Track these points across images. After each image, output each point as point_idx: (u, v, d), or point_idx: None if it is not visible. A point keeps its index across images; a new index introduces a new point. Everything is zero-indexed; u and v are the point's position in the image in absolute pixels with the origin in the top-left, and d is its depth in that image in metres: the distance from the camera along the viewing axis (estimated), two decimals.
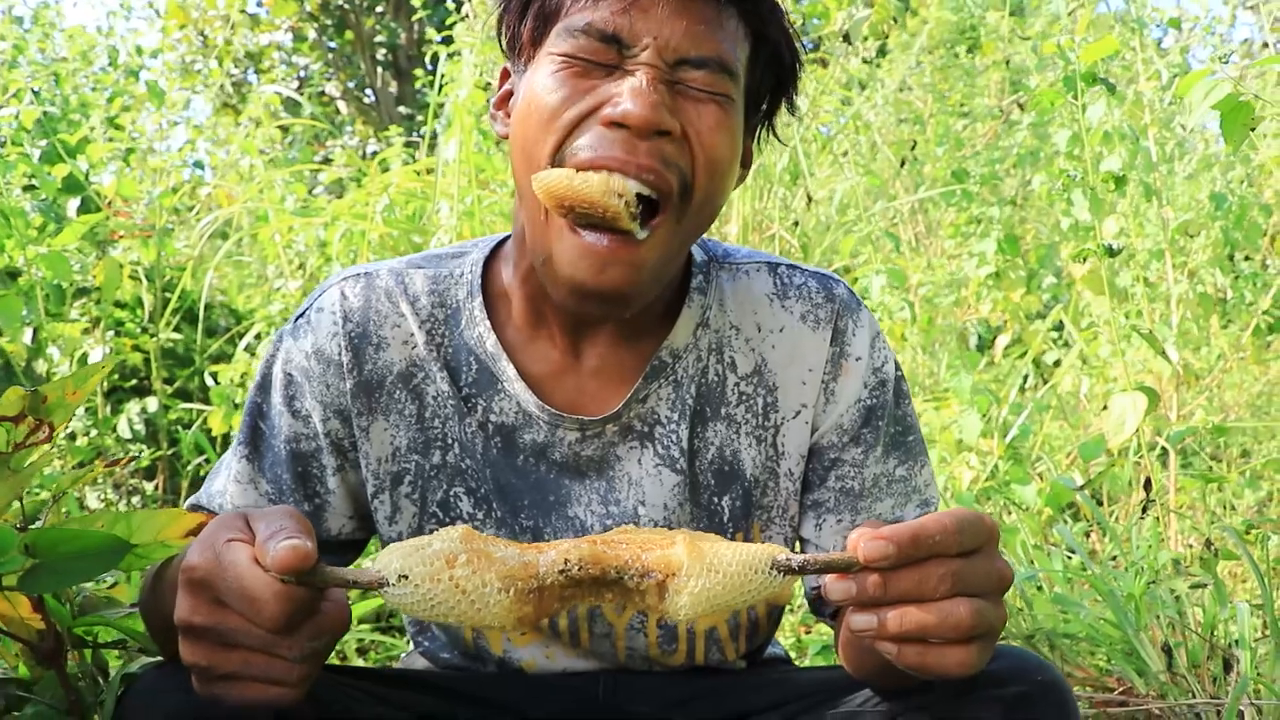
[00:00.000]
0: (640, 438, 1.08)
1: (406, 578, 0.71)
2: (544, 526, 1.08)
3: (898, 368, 1.14)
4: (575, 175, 0.91)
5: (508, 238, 1.13)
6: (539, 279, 1.01)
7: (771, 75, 1.05)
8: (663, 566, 0.73)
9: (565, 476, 1.08)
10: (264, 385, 1.11)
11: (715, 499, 1.10)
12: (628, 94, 0.91)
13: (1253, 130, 1.35)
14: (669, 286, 1.08)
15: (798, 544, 1.15)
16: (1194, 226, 3.16)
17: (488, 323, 1.08)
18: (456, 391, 1.08)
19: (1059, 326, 3.49)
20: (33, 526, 0.91)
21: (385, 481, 1.09)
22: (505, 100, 1.07)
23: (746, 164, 1.08)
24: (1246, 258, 3.47)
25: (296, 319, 1.12)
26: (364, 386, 1.08)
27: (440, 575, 0.71)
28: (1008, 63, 4.14)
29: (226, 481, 1.10)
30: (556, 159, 0.94)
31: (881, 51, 4.51)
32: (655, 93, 0.92)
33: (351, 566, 0.85)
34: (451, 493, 1.08)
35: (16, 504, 0.92)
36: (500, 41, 1.03)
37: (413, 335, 1.09)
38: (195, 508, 1.10)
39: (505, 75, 1.08)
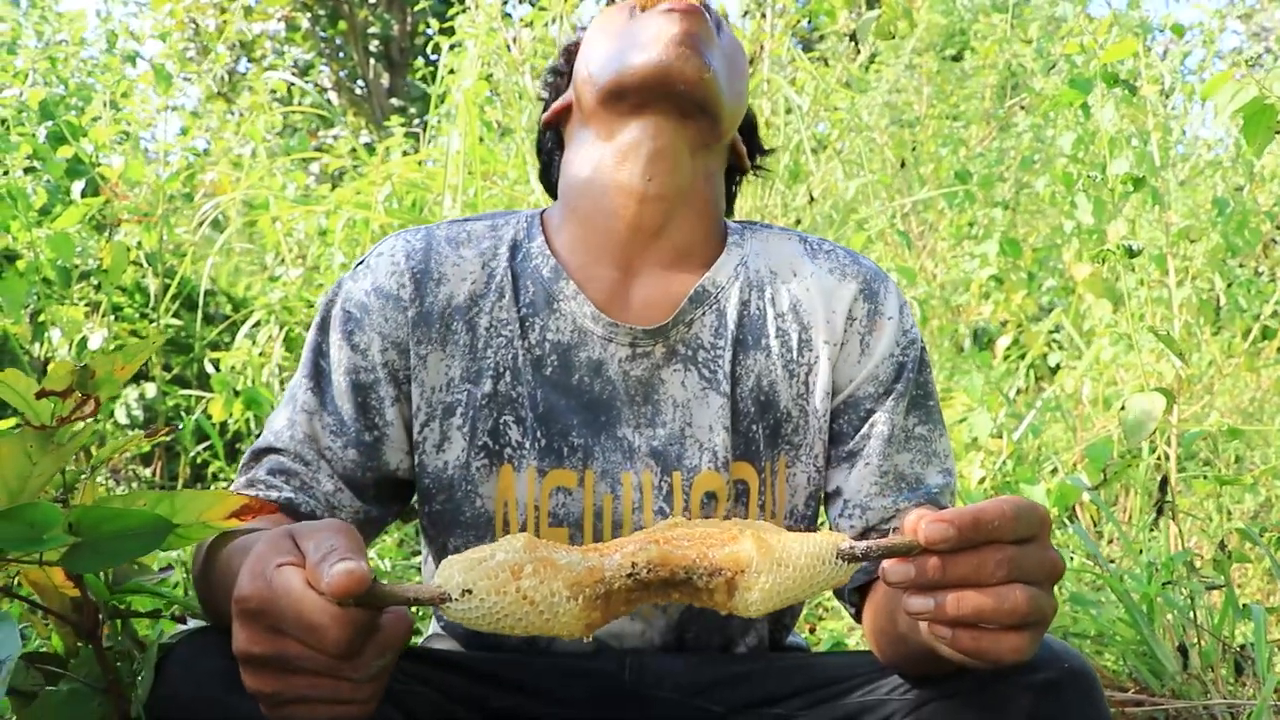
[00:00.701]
0: (684, 361, 1.13)
1: (470, 592, 0.70)
2: (593, 445, 1.10)
3: (920, 338, 1.19)
4: None
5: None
6: (590, 209, 1.14)
7: None
8: (731, 564, 0.73)
9: (615, 398, 1.12)
10: (323, 325, 1.15)
11: (753, 426, 1.14)
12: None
13: (1278, 134, 1.36)
14: (707, 223, 1.18)
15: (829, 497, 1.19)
16: (1195, 231, 3.18)
17: (547, 252, 1.15)
18: (515, 316, 1.12)
19: (1055, 329, 3.51)
20: (72, 501, 0.90)
21: (437, 410, 1.12)
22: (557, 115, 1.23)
23: (743, 169, 1.25)
24: (1240, 264, 3.49)
25: (356, 266, 1.16)
26: (424, 318, 1.12)
27: (506, 588, 0.70)
28: (1009, 66, 4.15)
29: (294, 414, 1.12)
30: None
31: (872, 57, 4.51)
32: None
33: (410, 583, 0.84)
34: (501, 421, 1.11)
35: (56, 476, 0.91)
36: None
37: (473, 271, 1.14)
38: (260, 452, 1.12)
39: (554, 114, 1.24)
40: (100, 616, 0.93)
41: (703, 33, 1.09)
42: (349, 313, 1.13)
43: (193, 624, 1.01)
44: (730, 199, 1.31)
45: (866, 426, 1.14)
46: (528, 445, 1.10)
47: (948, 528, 0.73)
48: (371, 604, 0.69)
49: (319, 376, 1.13)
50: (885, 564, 0.76)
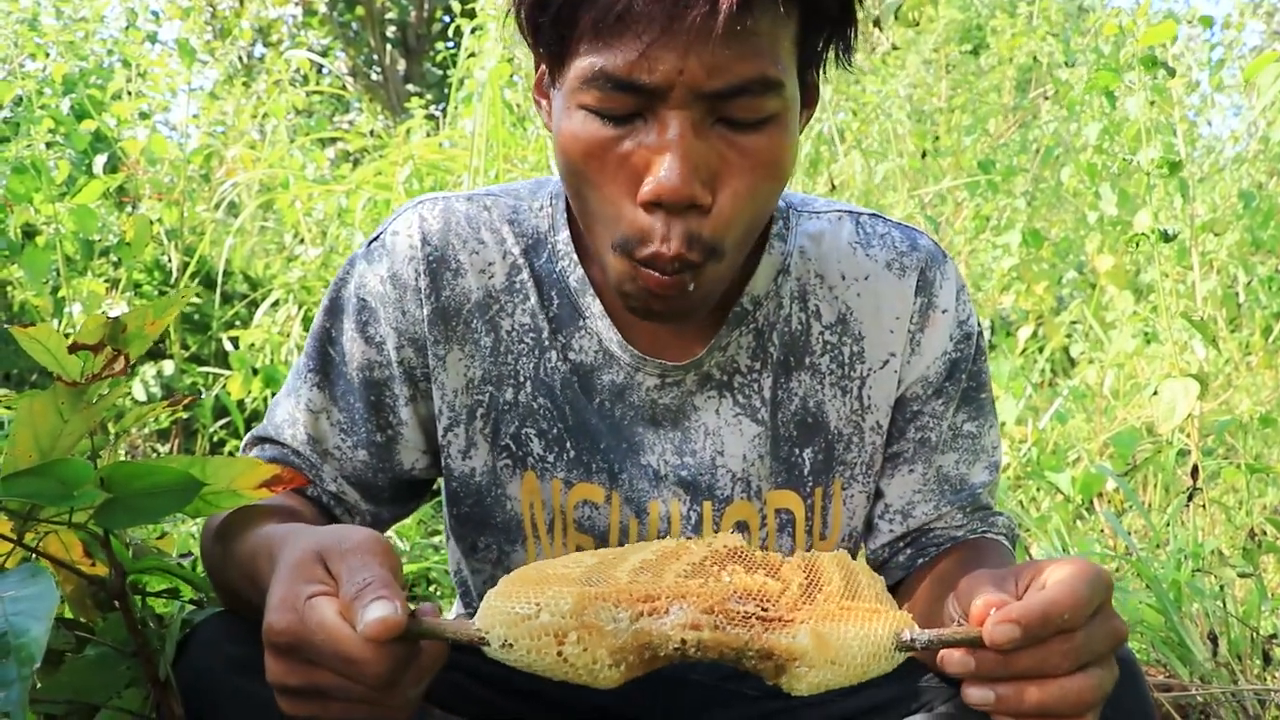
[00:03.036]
0: (719, 387, 1.05)
1: (511, 645, 0.69)
2: (619, 470, 1.05)
3: (979, 324, 1.11)
4: None
5: None
6: None
7: (819, 27, 0.94)
8: (784, 652, 0.70)
9: (640, 424, 1.05)
10: (334, 310, 1.07)
11: (796, 451, 1.07)
12: (661, 167, 0.85)
13: None
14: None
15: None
16: (1219, 225, 3.15)
17: (574, 256, 1.05)
18: (539, 325, 1.05)
19: (1075, 321, 3.49)
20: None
21: (460, 414, 1.06)
22: (541, 84, 1.01)
23: (811, 104, 1.00)
24: (1261, 261, 3.46)
25: (370, 243, 1.07)
26: (441, 313, 1.04)
27: (547, 649, 0.68)
28: (1033, 56, 4.11)
29: (295, 410, 1.06)
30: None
31: (891, 48, 4.49)
32: (688, 158, 0.85)
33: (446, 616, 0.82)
34: (523, 431, 1.05)
35: (85, 441, 0.90)
36: (523, 33, 0.95)
37: (491, 264, 1.05)
38: (261, 439, 1.08)
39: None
40: (127, 580, 0.92)
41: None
42: (363, 301, 1.05)
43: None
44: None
45: (913, 430, 1.08)
46: (551, 459, 1.05)
47: (1013, 628, 0.69)
48: (408, 637, 0.68)
49: (327, 368, 1.06)
50: (944, 655, 0.73)
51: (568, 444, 1.05)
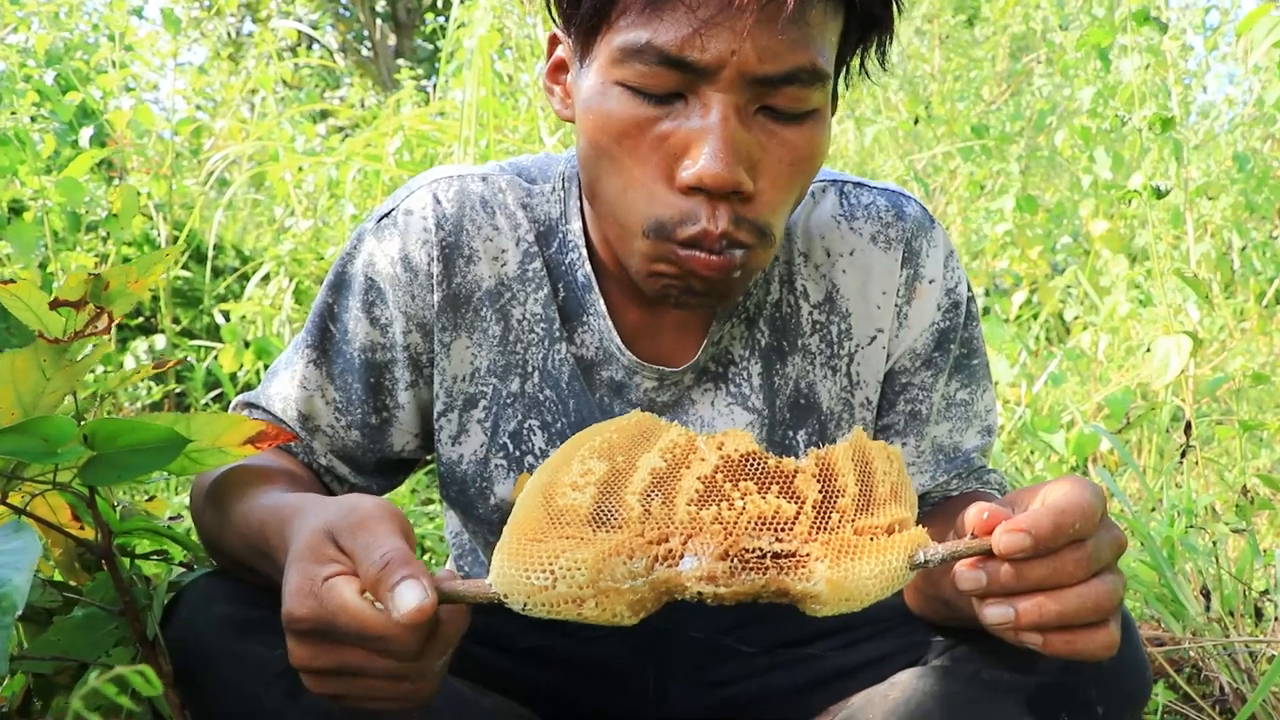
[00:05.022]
0: (714, 379, 1.04)
1: (528, 606, 0.69)
2: None
3: (969, 288, 1.10)
4: None
5: None
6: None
7: (861, 28, 0.92)
8: (800, 594, 0.70)
9: None
10: (339, 285, 1.04)
11: (790, 434, 1.06)
12: (703, 151, 0.82)
13: None
14: None
15: None
16: (1213, 189, 3.14)
17: (583, 250, 1.02)
18: (550, 315, 1.03)
19: (1070, 286, 3.48)
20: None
21: (457, 401, 1.04)
22: (558, 70, 0.97)
23: (834, 109, 0.98)
24: (1254, 227, 3.45)
25: (380, 218, 1.04)
26: (451, 301, 1.01)
27: (567, 612, 0.69)
28: (1026, 21, 4.09)
29: (289, 385, 1.04)
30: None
31: None
32: (731, 143, 0.82)
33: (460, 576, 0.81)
34: (525, 425, 1.03)
35: (69, 400, 0.89)
36: (549, 8, 0.93)
37: (504, 252, 1.03)
38: (249, 405, 1.06)
39: (554, 40, 0.98)
40: (114, 540, 0.91)
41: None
42: (371, 280, 1.02)
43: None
44: None
45: (903, 402, 1.07)
46: (551, 453, 1.03)
47: (1024, 538, 0.68)
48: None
49: (326, 344, 1.04)
50: (957, 571, 0.72)
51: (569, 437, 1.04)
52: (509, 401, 1.04)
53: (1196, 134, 3.82)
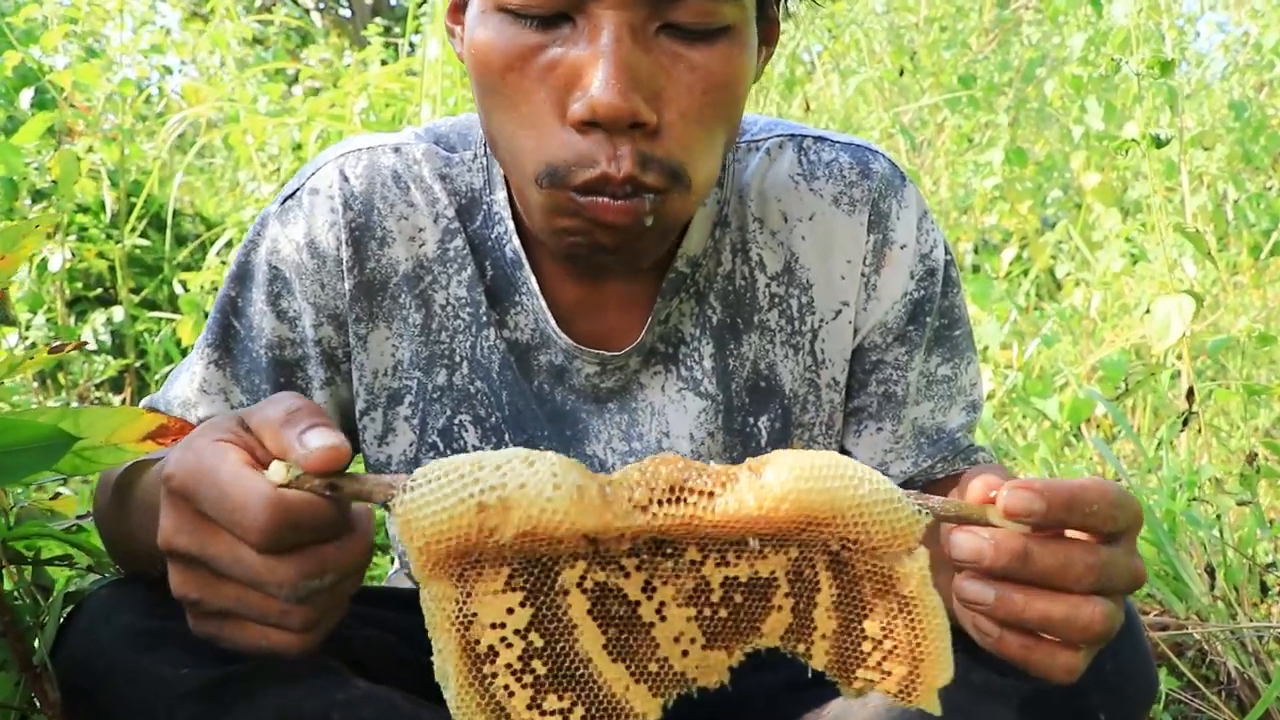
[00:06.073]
0: (664, 360, 0.94)
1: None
2: None
3: (948, 251, 0.98)
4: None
5: None
6: None
7: None
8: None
9: (583, 408, 0.94)
10: (242, 277, 0.94)
11: (751, 420, 0.95)
12: (594, 78, 0.71)
13: None
14: None
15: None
16: (1209, 139, 3.03)
17: (510, 223, 0.91)
18: (475, 298, 0.92)
19: (1061, 241, 3.39)
20: None
21: (380, 398, 0.94)
22: (459, 9, 0.86)
23: (772, 40, 0.87)
24: (1248, 179, 3.35)
25: (284, 200, 0.93)
26: (365, 288, 0.91)
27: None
28: None
29: (188, 389, 0.93)
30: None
31: None
32: (626, 67, 0.71)
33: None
34: (456, 420, 0.93)
35: None
36: None
37: (422, 230, 0.92)
38: (150, 410, 0.96)
39: None
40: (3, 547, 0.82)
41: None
42: (276, 269, 0.92)
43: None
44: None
45: (875, 383, 0.97)
46: (487, 450, 0.93)
47: (1034, 498, 0.58)
48: (319, 491, 0.56)
49: (230, 342, 0.93)
50: (953, 533, 0.61)
51: (506, 436, 0.93)
52: (436, 396, 0.93)
53: (1189, 83, 3.72)
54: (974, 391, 1.02)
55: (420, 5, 3.53)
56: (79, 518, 0.99)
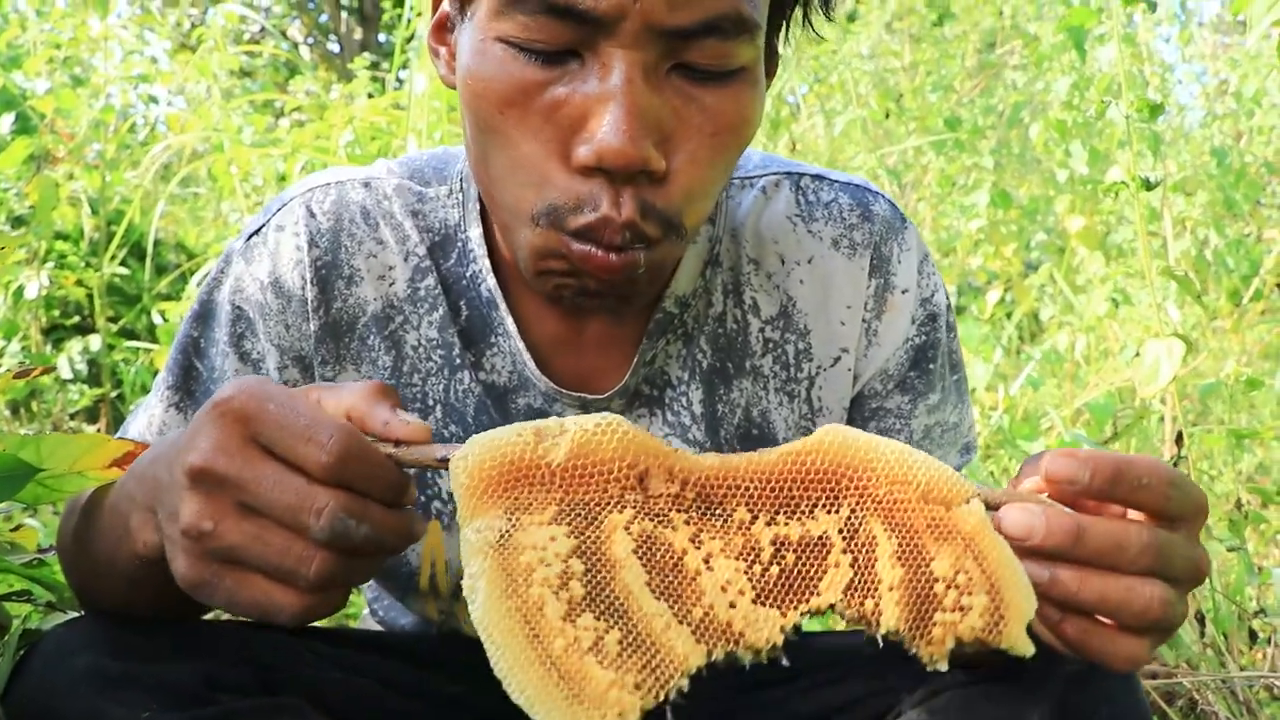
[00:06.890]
0: (649, 403, 0.90)
1: None
2: None
3: (947, 295, 0.96)
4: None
5: None
6: None
7: None
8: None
9: None
10: (204, 316, 0.90)
11: None
12: (603, 122, 0.68)
13: None
14: None
15: None
16: (1191, 184, 3.05)
17: (487, 261, 0.88)
18: (448, 339, 0.88)
19: (1044, 285, 3.40)
20: None
21: None
22: (443, 28, 0.82)
23: (772, 72, 0.85)
24: (1229, 224, 3.37)
25: (249, 236, 0.90)
26: (331, 329, 0.88)
27: None
28: (999, 11, 4.00)
29: (148, 432, 0.89)
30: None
31: (851, 17, 4.36)
32: (638, 112, 0.68)
33: None
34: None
35: None
36: None
37: (392, 269, 0.88)
38: None
39: None
40: None
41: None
42: (239, 309, 0.88)
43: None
44: None
45: (874, 430, 0.93)
46: None
47: (1080, 467, 0.57)
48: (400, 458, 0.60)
49: (190, 385, 0.89)
50: (1006, 509, 0.60)
51: None
52: None
53: (1170, 130, 3.75)
54: (970, 433, 1.00)
55: (408, 41, 3.54)
56: (40, 551, 0.96)
